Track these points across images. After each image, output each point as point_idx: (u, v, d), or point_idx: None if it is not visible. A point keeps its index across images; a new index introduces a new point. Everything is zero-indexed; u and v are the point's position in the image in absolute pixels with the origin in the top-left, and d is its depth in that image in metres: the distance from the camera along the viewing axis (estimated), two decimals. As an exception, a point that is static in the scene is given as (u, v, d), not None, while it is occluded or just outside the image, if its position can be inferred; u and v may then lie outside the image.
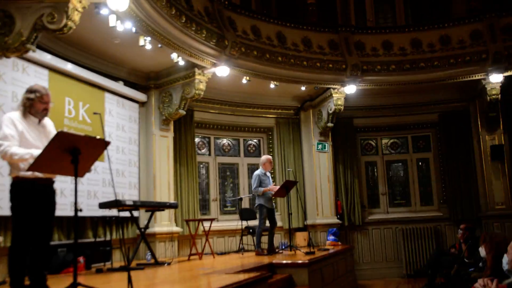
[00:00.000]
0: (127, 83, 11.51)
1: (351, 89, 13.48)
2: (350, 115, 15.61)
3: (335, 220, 14.80)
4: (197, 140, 13.60)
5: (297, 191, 13.11)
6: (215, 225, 13.06)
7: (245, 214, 12.85)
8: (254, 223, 12.77)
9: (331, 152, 15.16)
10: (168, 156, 11.89)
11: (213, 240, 13.19)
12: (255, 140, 14.85)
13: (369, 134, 16.00)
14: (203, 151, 13.96)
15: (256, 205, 10.80)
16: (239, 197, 13.62)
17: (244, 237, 13.40)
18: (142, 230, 9.82)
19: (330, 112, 13.95)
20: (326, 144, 15.03)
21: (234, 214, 14.18)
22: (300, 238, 14.07)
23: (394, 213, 15.47)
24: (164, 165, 11.80)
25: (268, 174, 10.87)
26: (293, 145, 14.82)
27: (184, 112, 11.56)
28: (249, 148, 14.70)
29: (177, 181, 12.17)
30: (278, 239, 14.23)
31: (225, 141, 14.50)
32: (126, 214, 9.91)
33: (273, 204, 10.78)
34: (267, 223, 11.02)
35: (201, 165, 13.76)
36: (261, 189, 10.58)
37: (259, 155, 14.65)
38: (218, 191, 14.07)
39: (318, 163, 14.78)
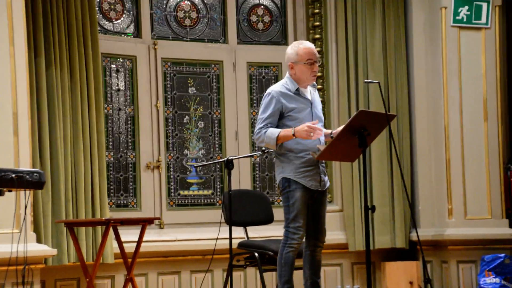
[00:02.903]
0: None
1: None
2: None
3: (503, 228, 9.15)
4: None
5: (392, 145, 8.62)
6: (156, 240, 8.56)
7: (239, 211, 7.95)
8: (265, 233, 8.60)
9: (499, 27, 9.11)
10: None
11: (148, 281, 8.61)
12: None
13: None
14: (117, 24, 8.70)
15: (277, 181, 6.17)
16: (224, 158, 7.91)
17: (236, 274, 8.64)
18: None
19: None
20: (484, 6, 9.16)
21: (209, 208, 9.29)
22: (399, 278, 9.15)
23: None
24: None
25: (310, 91, 6.09)
26: (380, 10, 9.07)
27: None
28: (252, 23, 9.45)
29: (37, 115, 7.56)
30: (334, 276, 9.17)
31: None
32: None
33: (323, 178, 6.02)
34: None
35: (113, 66, 8.66)
36: (285, 132, 5.93)
37: (281, 43, 9.77)
38: (164, 141, 8.98)
39: (455, 63, 8.90)
